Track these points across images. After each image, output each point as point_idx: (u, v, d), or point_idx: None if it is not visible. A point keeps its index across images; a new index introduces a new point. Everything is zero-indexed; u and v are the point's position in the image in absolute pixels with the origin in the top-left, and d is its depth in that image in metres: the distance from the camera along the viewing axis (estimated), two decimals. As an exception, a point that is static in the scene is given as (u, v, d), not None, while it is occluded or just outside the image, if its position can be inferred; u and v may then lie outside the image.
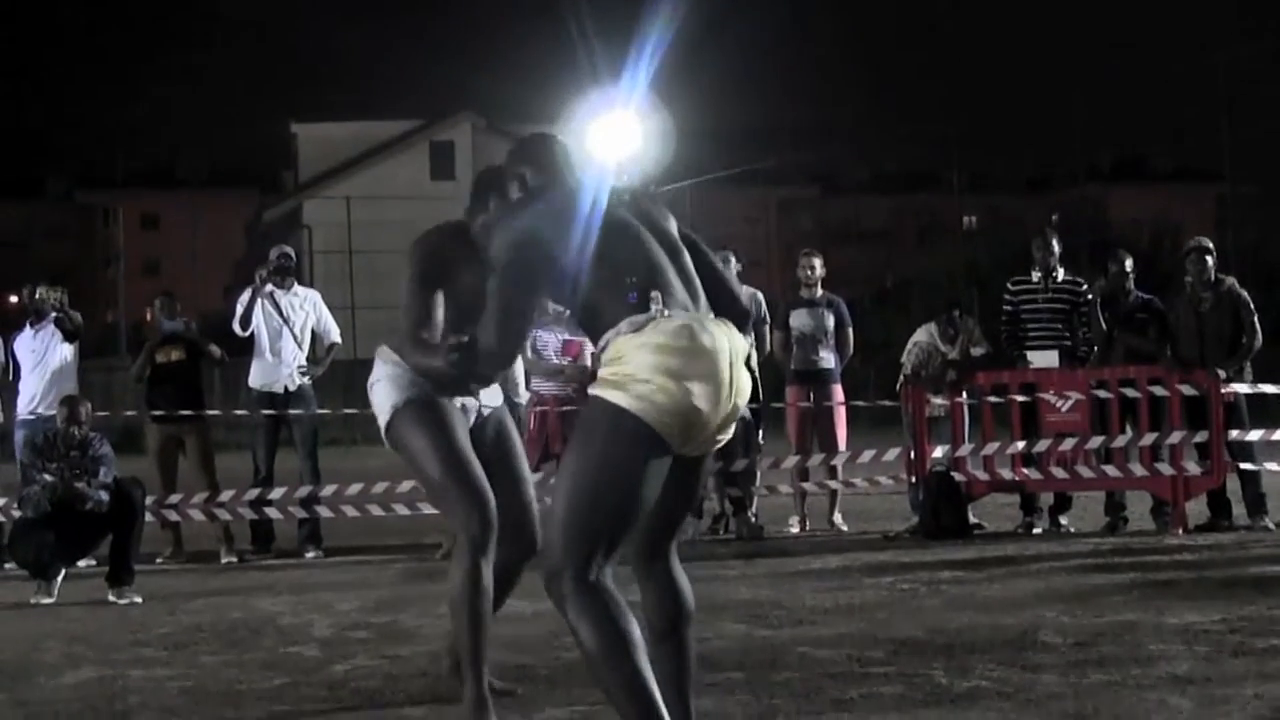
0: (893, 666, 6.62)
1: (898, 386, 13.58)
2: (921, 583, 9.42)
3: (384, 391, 5.89)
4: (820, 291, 13.60)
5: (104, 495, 9.77)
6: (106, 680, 6.98)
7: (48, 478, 9.78)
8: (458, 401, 5.93)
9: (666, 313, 4.54)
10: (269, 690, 6.53)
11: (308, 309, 12.76)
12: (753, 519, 12.96)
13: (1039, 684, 6.12)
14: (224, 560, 12.12)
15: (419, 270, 5.83)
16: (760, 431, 13.26)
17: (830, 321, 13.49)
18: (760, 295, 13.54)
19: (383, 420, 5.88)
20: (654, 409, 4.45)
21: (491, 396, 6.14)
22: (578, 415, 4.97)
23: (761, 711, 5.80)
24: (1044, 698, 5.85)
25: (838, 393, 13.52)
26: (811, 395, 13.43)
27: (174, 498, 12.32)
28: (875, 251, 68.19)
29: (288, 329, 12.54)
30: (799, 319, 13.49)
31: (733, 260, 13.31)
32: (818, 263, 13.67)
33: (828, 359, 13.47)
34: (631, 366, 4.48)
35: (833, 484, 13.48)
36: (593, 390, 4.57)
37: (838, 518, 13.28)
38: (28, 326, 12.84)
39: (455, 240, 5.95)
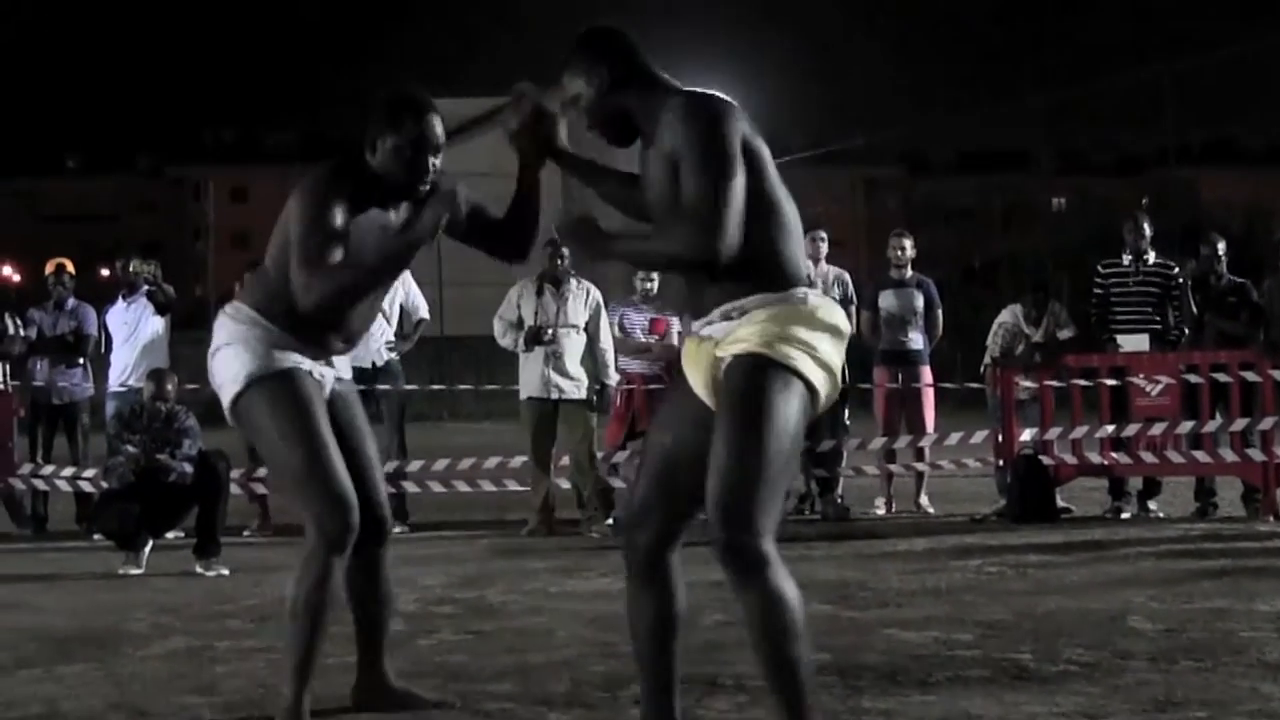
0: (979, 649, 6.58)
1: (983, 369, 13.51)
2: (1008, 566, 9.36)
3: (232, 359, 5.22)
4: (910, 272, 13.54)
5: (187, 468, 9.86)
6: (194, 651, 7.04)
7: (131, 449, 9.87)
8: (315, 373, 5.32)
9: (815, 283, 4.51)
10: (354, 663, 6.55)
11: (397, 284, 12.77)
12: (839, 500, 12.94)
13: (1128, 669, 6.05)
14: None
15: (320, 208, 5.12)
16: (846, 412, 13.23)
17: (919, 302, 13.42)
18: (847, 275, 13.53)
19: (230, 392, 5.21)
20: (827, 384, 4.42)
21: (343, 367, 5.60)
22: (746, 370, 4.32)
23: (846, 692, 5.78)
24: (1133, 684, 5.79)
25: (926, 374, 13.47)
26: (900, 376, 13.38)
27: (261, 471, 12.40)
28: (962, 232, 67.78)
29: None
30: (888, 300, 13.43)
31: (824, 241, 13.30)
32: (908, 243, 13.61)
33: (916, 340, 13.42)
34: (810, 336, 4.36)
35: (920, 466, 13.45)
36: (782, 349, 4.33)
37: (924, 500, 13.23)
38: (120, 299, 12.96)
39: (345, 178, 5.24)
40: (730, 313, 4.40)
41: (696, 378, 4.48)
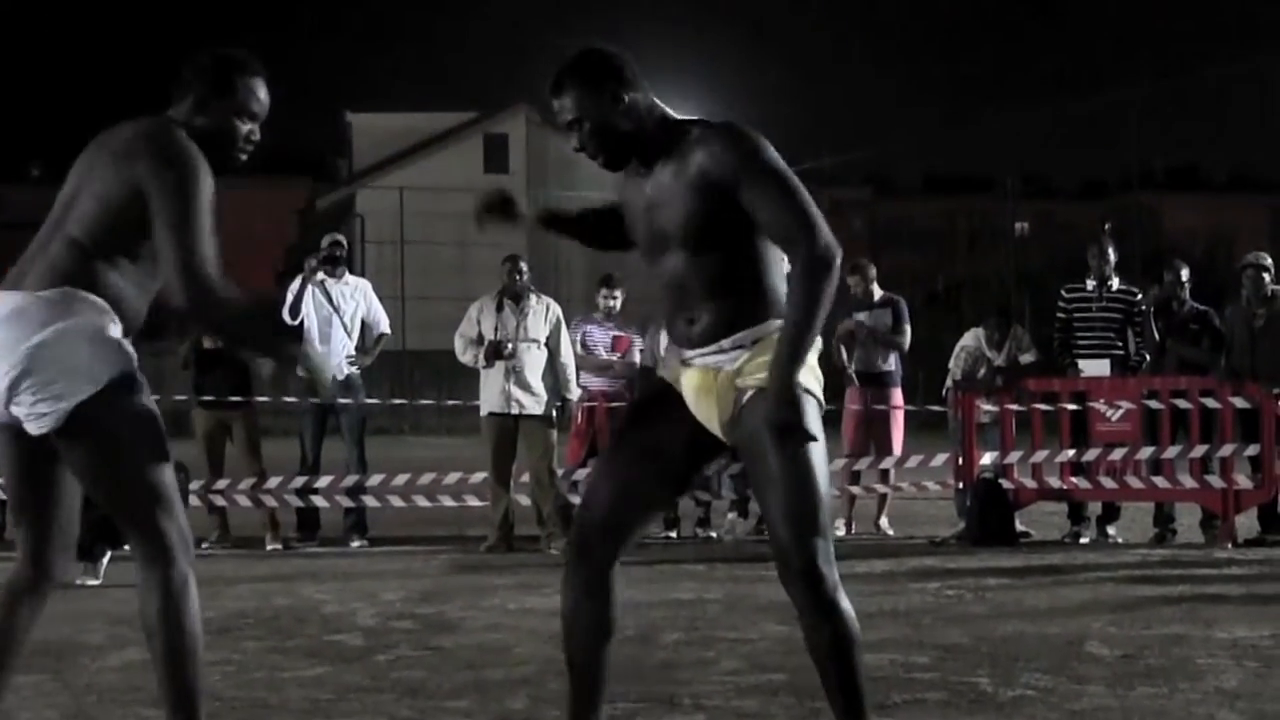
0: (937, 673, 6.58)
1: (944, 391, 13.53)
2: (967, 589, 9.37)
3: (88, 353, 4.39)
4: (880, 292, 13.54)
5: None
6: (150, 663, 6.96)
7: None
8: None
9: None
10: (311, 677, 6.54)
11: (358, 298, 12.76)
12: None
13: (1085, 695, 6.06)
14: (269, 547, 12.17)
15: (203, 187, 4.50)
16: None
17: (890, 321, 13.42)
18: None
19: (81, 393, 4.36)
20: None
21: None
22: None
23: (804, 714, 5.77)
24: (1090, 709, 5.80)
25: (897, 396, 13.53)
26: (870, 398, 13.39)
27: (221, 483, 12.38)
28: (926, 254, 67.91)
29: (338, 318, 12.55)
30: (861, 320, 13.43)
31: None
32: (871, 273, 13.59)
33: (889, 361, 13.42)
34: (812, 360, 4.44)
35: (882, 488, 13.45)
36: (806, 378, 4.39)
37: (884, 522, 13.26)
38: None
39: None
40: (742, 341, 4.43)
41: (709, 407, 4.48)
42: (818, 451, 4.39)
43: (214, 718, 5.73)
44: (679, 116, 4.66)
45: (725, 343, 4.43)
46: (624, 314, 12.97)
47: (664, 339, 4.82)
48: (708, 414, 4.48)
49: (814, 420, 4.40)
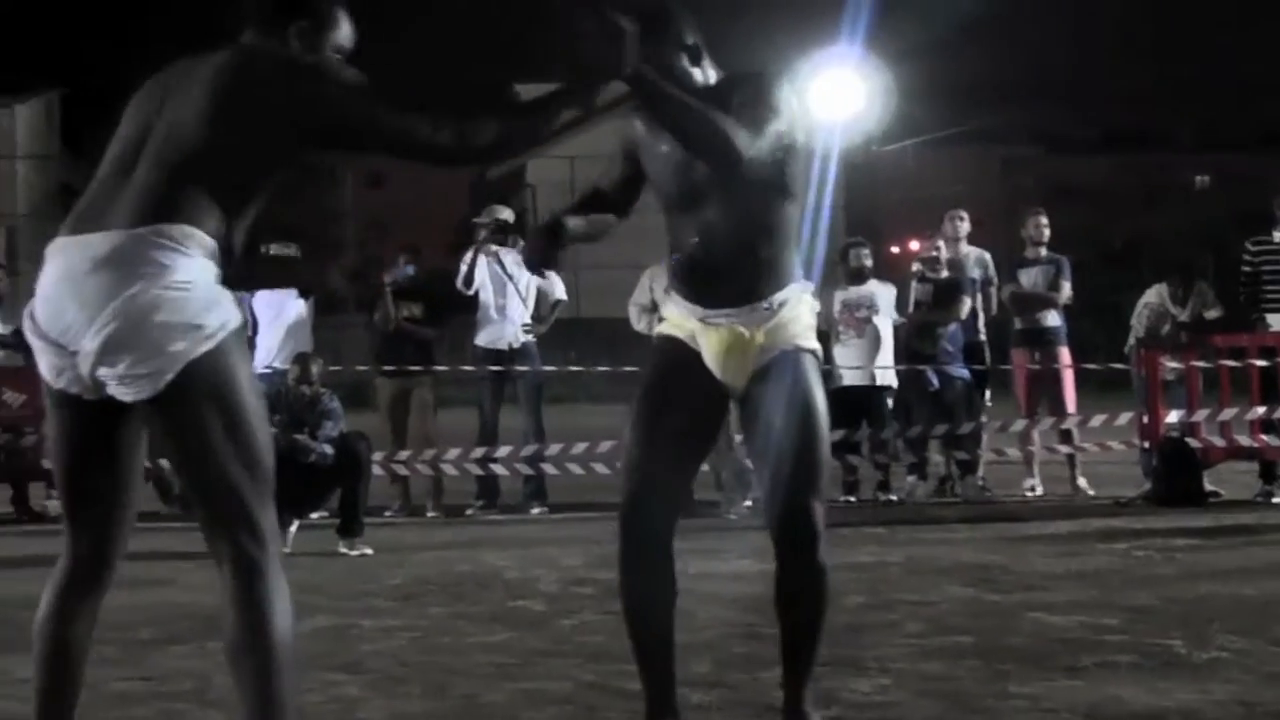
0: (1127, 634, 6.46)
1: (1127, 349, 13.31)
2: (1155, 550, 9.22)
3: (199, 303, 3.65)
4: (1045, 251, 13.36)
5: (327, 449, 9.94)
6: (339, 629, 7.11)
7: (271, 430, 9.93)
8: None
9: None
10: (496, 643, 6.58)
11: (530, 267, 12.75)
12: (980, 483, 12.82)
13: None
14: (429, 514, 12.33)
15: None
16: (987, 394, 13.12)
17: (1052, 276, 13.23)
18: (987, 256, 13.43)
19: (191, 351, 3.62)
20: None
21: None
22: (800, 364, 4.53)
23: (991, 676, 5.70)
24: None
25: (1065, 354, 13.30)
26: (1038, 356, 13.21)
27: (402, 453, 12.50)
28: (1100, 211, 66.94)
29: (512, 287, 12.62)
30: (1025, 278, 13.27)
31: (964, 221, 13.20)
32: (1044, 220, 13.42)
33: (1053, 319, 13.23)
34: (814, 323, 4.65)
35: (1064, 449, 13.25)
36: (815, 342, 4.59)
37: (1082, 481, 13.02)
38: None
39: None
40: (771, 303, 4.52)
41: (736, 366, 4.54)
42: (825, 417, 4.53)
43: (401, 682, 5.84)
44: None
45: (759, 304, 4.51)
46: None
47: (664, 295, 4.84)
48: (734, 372, 4.55)
49: (815, 376, 4.56)
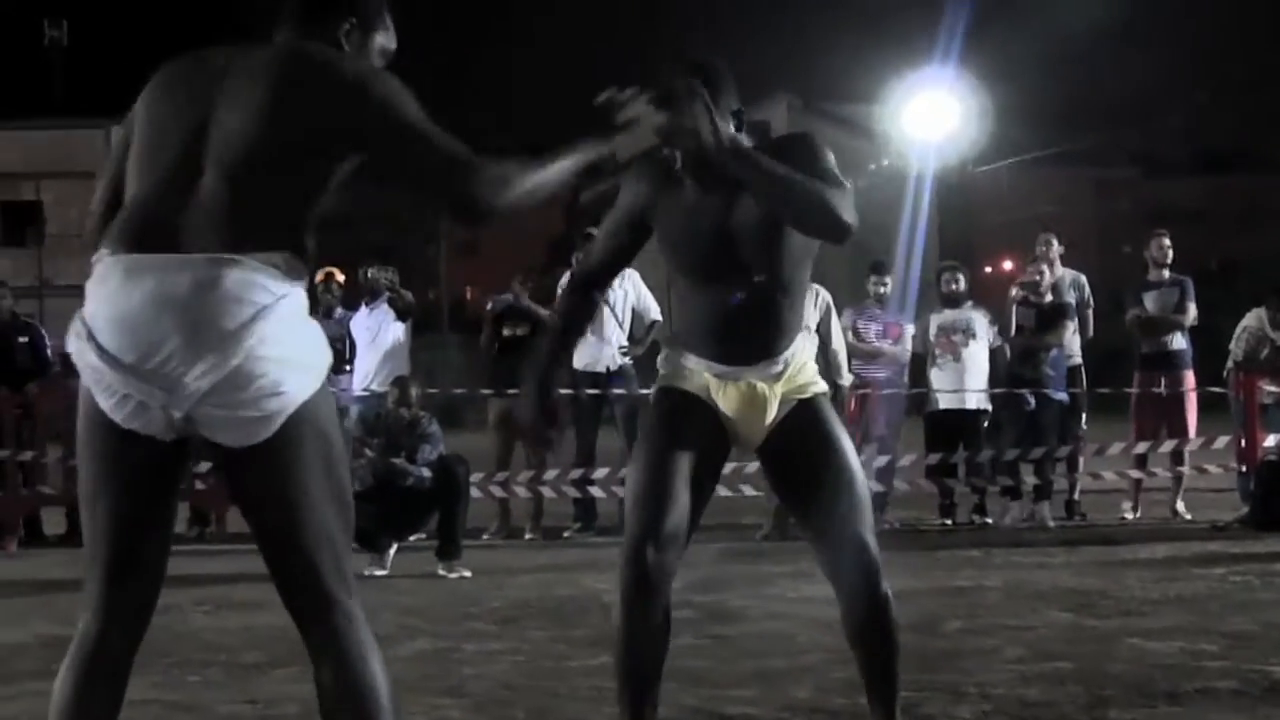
0: (1227, 660, 6.45)
1: (1225, 373, 13.23)
2: (1254, 574, 9.19)
3: (307, 336, 3.40)
4: (1168, 273, 13.28)
5: (425, 472, 10.05)
6: (441, 653, 7.18)
7: (369, 453, 10.07)
8: None
9: None
10: (597, 666, 6.61)
11: (627, 288, 12.82)
12: (1076, 504, 12.84)
13: None
14: (528, 536, 12.44)
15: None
16: (1084, 417, 13.09)
17: (1175, 299, 13.15)
18: (1083, 278, 13.40)
19: (303, 390, 3.35)
20: None
21: None
22: (825, 408, 4.61)
23: (1092, 702, 5.72)
24: None
25: (1189, 378, 13.17)
26: (1162, 381, 13.12)
27: (500, 475, 12.59)
28: (1196, 233, 66.35)
29: (609, 309, 12.69)
30: (1150, 301, 13.18)
31: (1054, 242, 13.19)
32: (1168, 242, 13.34)
33: (1179, 342, 13.14)
34: None
35: (1167, 473, 13.17)
36: (821, 388, 4.67)
37: (1180, 506, 12.98)
38: (363, 306, 13.21)
39: None
40: (788, 357, 4.59)
41: (748, 419, 4.58)
42: (855, 455, 4.61)
43: (505, 705, 5.91)
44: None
45: (775, 359, 4.57)
46: (892, 300, 12.96)
47: (671, 348, 4.75)
48: (753, 424, 4.60)
49: (834, 416, 4.64)
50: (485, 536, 12.24)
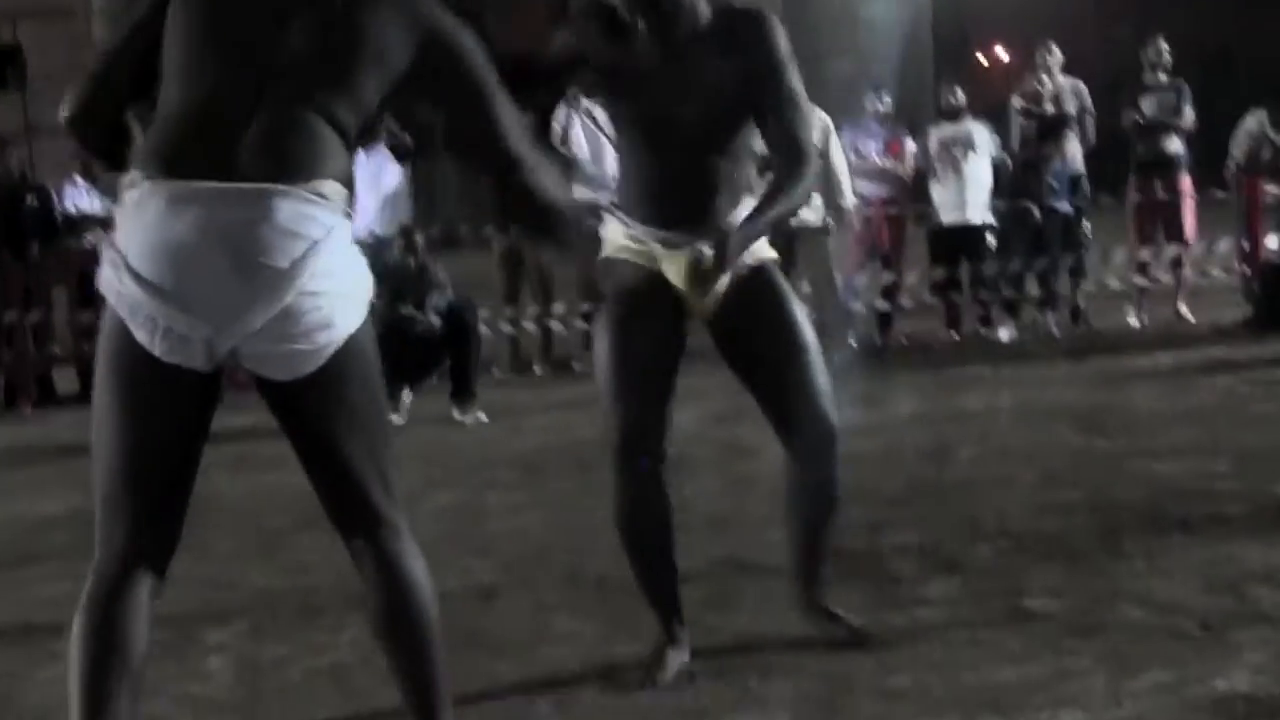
0: (1236, 483, 6.55)
1: (1227, 174, 13.24)
2: (1259, 384, 9.29)
3: (357, 268, 3.38)
4: (1165, 76, 13.22)
5: (434, 319, 10.10)
6: (465, 507, 7.28)
7: (376, 301, 10.07)
8: None
9: None
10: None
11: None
12: (1081, 310, 12.99)
13: None
14: (537, 371, 12.54)
15: None
16: (1088, 226, 13.12)
17: (1174, 102, 13.09)
18: (1082, 85, 13.32)
19: (353, 320, 3.34)
20: None
21: None
22: (775, 277, 4.58)
23: (1106, 532, 5.81)
24: None
25: (1186, 182, 13.13)
26: (1158, 186, 13.12)
27: (508, 310, 12.63)
28: (1195, 18, 65.47)
29: (608, 143, 12.65)
30: (1146, 106, 13.11)
31: (1055, 50, 13.12)
32: (1164, 45, 13.24)
33: (1175, 146, 13.10)
34: None
35: (1167, 278, 13.23)
36: (770, 254, 4.63)
37: (1184, 308, 13.08)
38: (359, 150, 13.14)
39: None
40: (731, 224, 4.49)
41: (696, 286, 4.49)
42: (807, 322, 4.58)
43: (534, 566, 5.97)
44: None
45: (721, 224, 4.47)
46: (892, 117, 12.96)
47: (614, 214, 4.65)
48: (701, 294, 4.52)
49: (784, 283, 4.62)
50: (495, 372, 12.33)
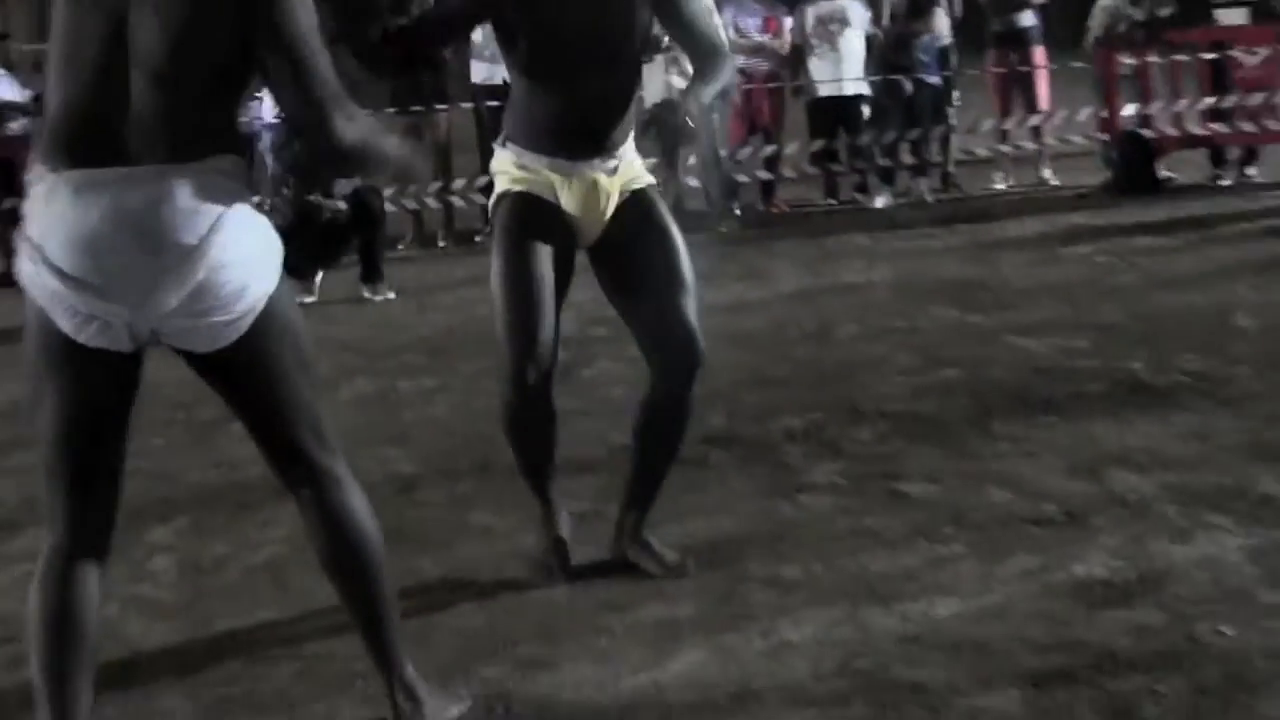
0: (1097, 359, 6.98)
1: (1086, 46, 13.71)
2: (1118, 254, 9.78)
3: (264, 234, 3.45)
4: None
5: (342, 205, 10.33)
6: (379, 395, 7.46)
7: (286, 191, 10.32)
8: None
9: None
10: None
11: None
12: (951, 176, 13.61)
13: (1235, 380, 6.44)
14: (440, 244, 12.89)
15: None
16: (954, 96, 13.59)
17: None
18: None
19: (267, 286, 3.40)
20: None
21: None
22: (657, 200, 4.71)
23: (979, 414, 6.20)
24: (1239, 397, 6.17)
25: (1039, 54, 13.72)
26: (1012, 58, 13.67)
27: (411, 187, 12.76)
28: None
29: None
30: None
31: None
32: None
33: (1029, 19, 13.65)
34: None
35: (1032, 145, 13.84)
36: (649, 179, 4.76)
37: (1047, 172, 13.68)
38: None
39: None
40: (626, 150, 4.67)
41: (590, 213, 4.64)
42: (685, 245, 4.65)
43: (449, 456, 6.20)
44: None
45: (613, 154, 4.62)
46: None
47: (505, 147, 4.73)
48: (593, 220, 4.65)
49: (666, 207, 4.76)
50: (400, 247, 12.57)
